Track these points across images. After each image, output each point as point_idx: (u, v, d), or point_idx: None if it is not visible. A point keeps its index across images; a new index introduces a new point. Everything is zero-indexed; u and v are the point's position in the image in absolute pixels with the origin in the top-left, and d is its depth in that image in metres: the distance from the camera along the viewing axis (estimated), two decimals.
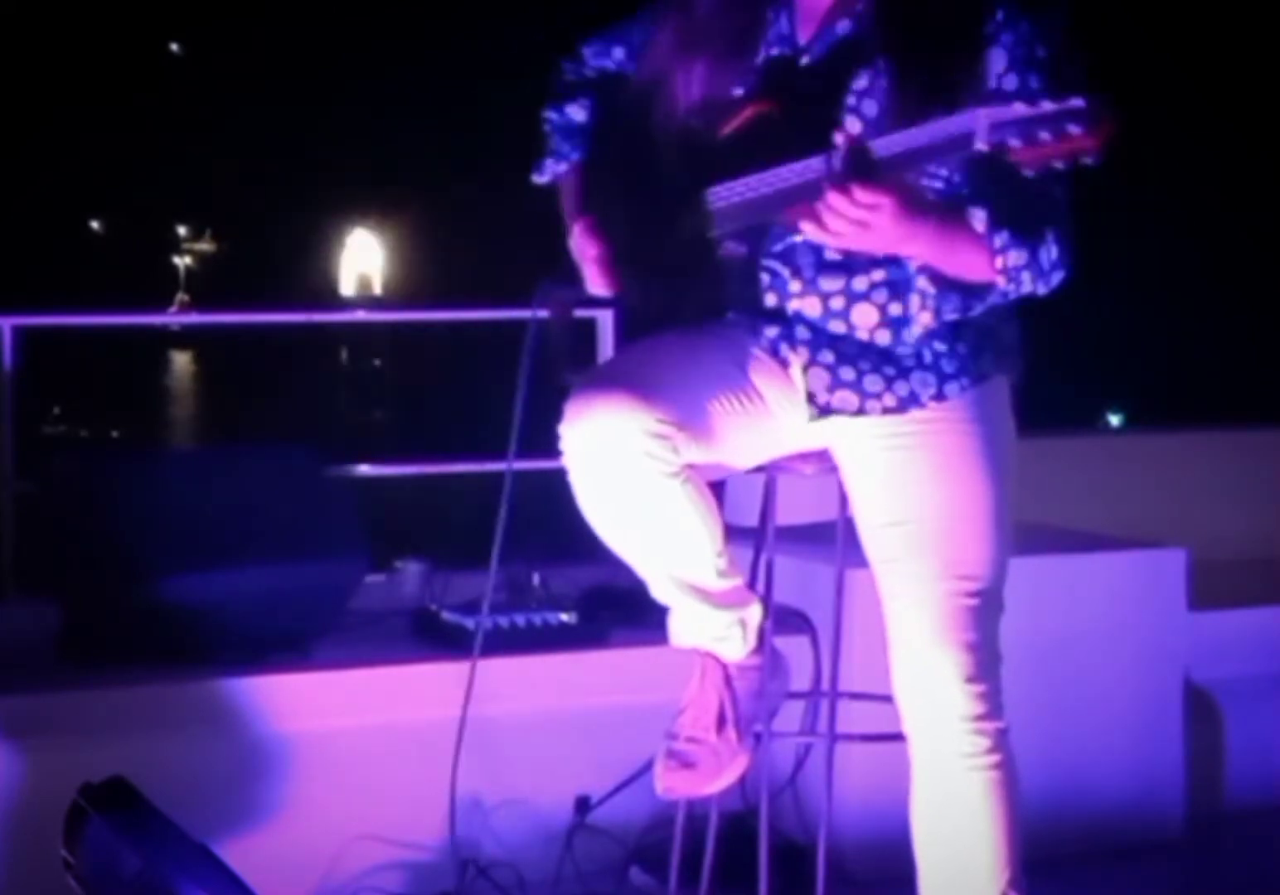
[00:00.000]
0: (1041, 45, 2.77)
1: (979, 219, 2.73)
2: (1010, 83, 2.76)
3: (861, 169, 2.63)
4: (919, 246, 2.74)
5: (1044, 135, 2.49)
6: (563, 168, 3.08)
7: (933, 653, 2.85)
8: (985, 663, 2.88)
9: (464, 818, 4.03)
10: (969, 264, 2.77)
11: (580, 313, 3.23)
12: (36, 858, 3.32)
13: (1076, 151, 2.50)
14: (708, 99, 2.91)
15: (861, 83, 2.82)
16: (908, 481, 2.90)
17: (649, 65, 3.00)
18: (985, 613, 2.89)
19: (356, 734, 4.00)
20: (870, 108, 2.82)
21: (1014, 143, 2.51)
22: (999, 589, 2.93)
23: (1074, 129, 2.48)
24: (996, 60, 2.77)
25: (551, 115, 3.13)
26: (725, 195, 2.84)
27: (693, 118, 2.91)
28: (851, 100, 2.82)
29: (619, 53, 3.11)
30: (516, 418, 3.27)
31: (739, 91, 2.90)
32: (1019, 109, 2.51)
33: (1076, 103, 2.48)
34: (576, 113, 3.11)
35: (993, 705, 2.88)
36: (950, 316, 2.88)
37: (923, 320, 2.89)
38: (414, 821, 4.02)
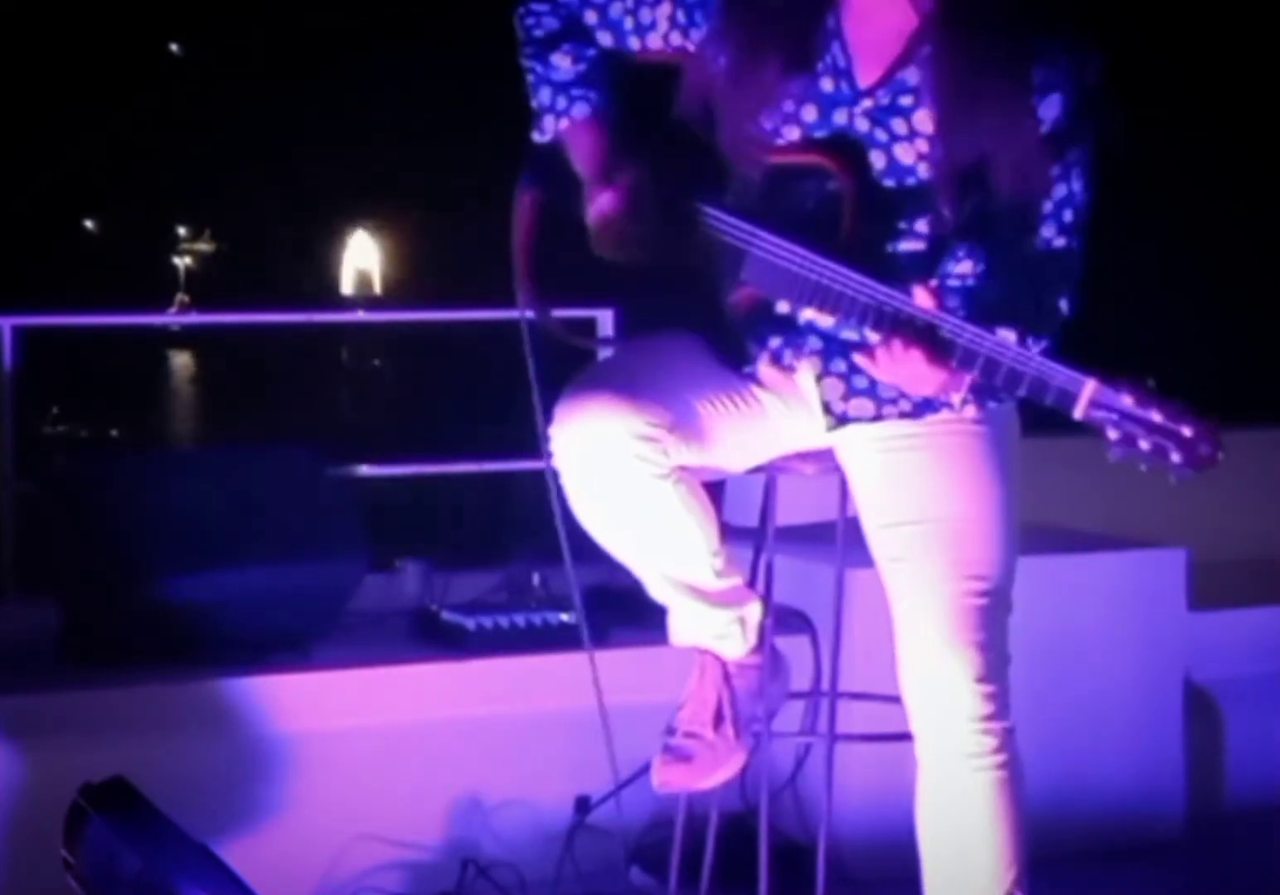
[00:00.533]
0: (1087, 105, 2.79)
1: (1011, 339, 2.74)
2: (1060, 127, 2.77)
3: (925, 338, 2.67)
4: (961, 391, 2.78)
5: (1143, 444, 2.55)
6: (564, 125, 2.98)
7: (941, 652, 2.85)
8: (993, 663, 2.87)
9: (464, 818, 4.03)
10: None
11: (579, 313, 3.22)
12: (36, 858, 3.32)
13: (1167, 470, 2.56)
14: (767, 110, 2.86)
15: (926, 127, 2.81)
16: (914, 482, 2.90)
17: (711, 48, 2.90)
18: (993, 613, 2.89)
19: (356, 734, 4.00)
20: (922, 224, 2.82)
21: (1111, 432, 2.56)
22: (1007, 589, 2.92)
23: (1175, 456, 2.54)
24: (1051, 105, 2.78)
25: (535, 66, 3.00)
26: (764, 245, 2.81)
27: (753, 125, 2.87)
28: (922, 146, 2.81)
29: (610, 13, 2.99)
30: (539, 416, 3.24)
31: (800, 116, 2.86)
32: (1126, 401, 2.55)
33: (1185, 431, 2.53)
34: (562, 61, 2.98)
35: (1000, 705, 2.87)
36: (993, 406, 2.92)
37: (968, 413, 2.91)
38: (414, 821, 4.02)
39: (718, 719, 3.01)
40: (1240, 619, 4.76)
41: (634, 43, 2.98)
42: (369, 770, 4.01)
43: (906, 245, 2.83)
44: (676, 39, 2.95)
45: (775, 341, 2.95)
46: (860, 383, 2.91)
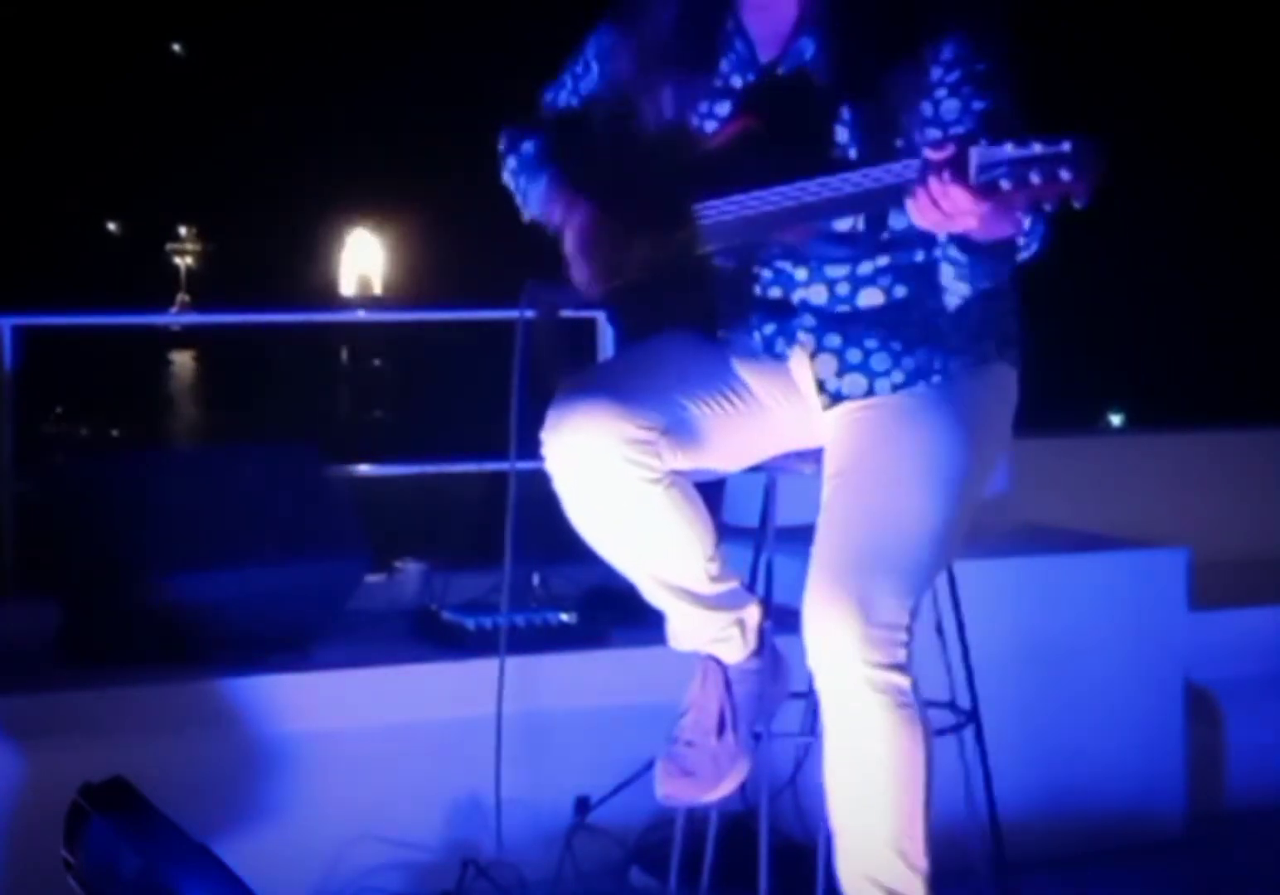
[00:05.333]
0: (982, 65, 2.81)
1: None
2: (950, 108, 2.80)
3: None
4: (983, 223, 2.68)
5: (1034, 178, 2.52)
6: (539, 190, 3.08)
7: (828, 594, 2.80)
8: (892, 610, 2.80)
9: (464, 818, 4.03)
10: (1002, 229, 2.73)
11: (579, 313, 3.23)
12: (36, 858, 3.32)
13: (1066, 194, 2.53)
14: (680, 119, 2.93)
15: (833, 103, 2.85)
16: (858, 439, 2.91)
17: (614, 86, 3.01)
18: (898, 563, 2.83)
19: (356, 734, 4.00)
20: (842, 134, 2.85)
21: (1005, 184, 2.53)
22: (926, 545, 2.85)
23: (1064, 174, 2.51)
24: (948, 47, 2.81)
25: (510, 162, 3.14)
26: (715, 212, 2.85)
27: (670, 136, 2.93)
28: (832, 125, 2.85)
29: (579, 86, 3.12)
30: (514, 419, 3.26)
31: (715, 112, 2.93)
32: (1008, 149, 2.53)
33: (1064, 146, 2.51)
34: (528, 147, 3.12)
35: (894, 654, 2.80)
36: (984, 284, 2.85)
37: (960, 290, 2.86)
38: (414, 821, 4.02)
39: (720, 727, 3.01)
40: (1240, 619, 4.77)
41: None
42: (369, 770, 4.01)
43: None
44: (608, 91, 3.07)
45: (769, 329, 2.97)
46: (853, 357, 2.93)
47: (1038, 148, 2.51)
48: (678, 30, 2.94)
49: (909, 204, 2.64)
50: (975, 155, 2.55)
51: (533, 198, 3.10)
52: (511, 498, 3.16)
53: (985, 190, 2.55)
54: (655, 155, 2.96)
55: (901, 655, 2.82)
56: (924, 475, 2.86)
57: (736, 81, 2.94)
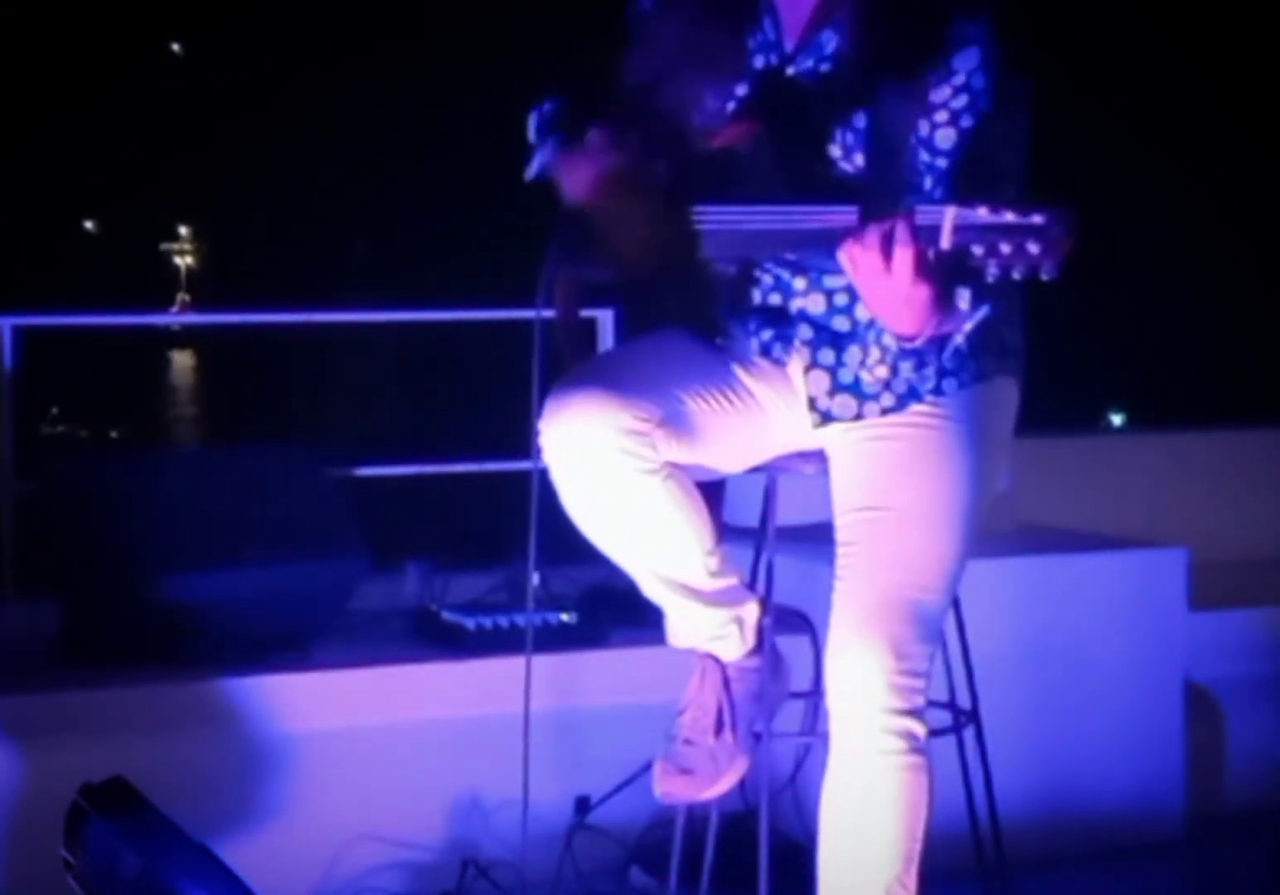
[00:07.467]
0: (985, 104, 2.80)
1: (964, 298, 2.67)
2: (945, 137, 2.79)
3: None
4: (913, 311, 2.65)
5: (1004, 247, 2.52)
6: (547, 154, 3.04)
7: (861, 639, 2.80)
8: (914, 657, 2.81)
9: (464, 818, 4.03)
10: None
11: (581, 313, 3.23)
12: (36, 858, 3.32)
13: (1034, 267, 2.53)
14: (707, 107, 2.92)
15: (844, 108, 2.83)
16: (878, 471, 2.90)
17: (644, 68, 2.99)
18: (926, 608, 2.84)
19: (356, 734, 4.00)
20: (849, 138, 2.83)
21: (976, 249, 2.53)
22: (946, 587, 2.88)
23: (1032, 247, 2.51)
24: (968, 58, 2.79)
25: (533, 117, 3.08)
26: (716, 219, 2.84)
27: (693, 126, 2.92)
28: (836, 130, 2.84)
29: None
30: (534, 418, 3.25)
31: (733, 101, 2.91)
32: (982, 214, 2.53)
33: (1036, 219, 2.51)
34: (547, 107, 3.05)
35: (914, 701, 2.82)
36: (909, 374, 2.89)
37: (878, 373, 2.90)
38: (414, 821, 4.02)
39: (718, 726, 3.00)
40: (1240, 619, 4.77)
41: None
42: (369, 770, 4.01)
43: (842, 167, 2.85)
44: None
45: (767, 334, 2.97)
46: (845, 377, 2.93)
47: (1009, 216, 2.52)
48: (709, 18, 2.91)
49: (841, 254, 2.63)
50: (950, 215, 2.54)
51: (537, 160, 3.05)
52: (534, 498, 3.14)
53: (934, 266, 2.57)
54: (667, 144, 2.93)
55: (920, 701, 2.83)
56: (947, 515, 2.87)
57: (758, 61, 2.92)
